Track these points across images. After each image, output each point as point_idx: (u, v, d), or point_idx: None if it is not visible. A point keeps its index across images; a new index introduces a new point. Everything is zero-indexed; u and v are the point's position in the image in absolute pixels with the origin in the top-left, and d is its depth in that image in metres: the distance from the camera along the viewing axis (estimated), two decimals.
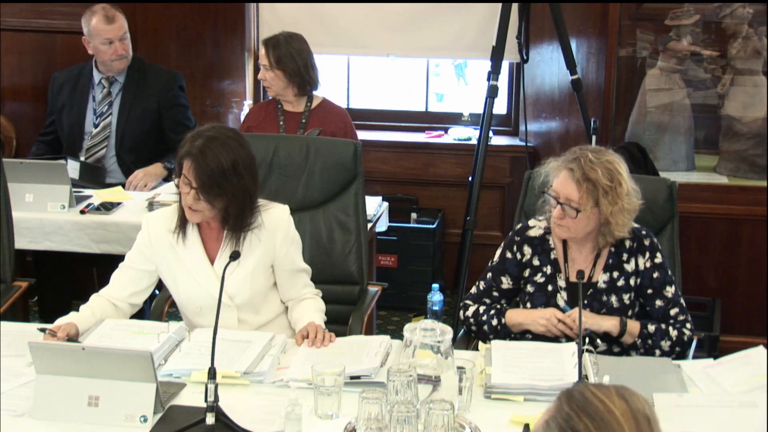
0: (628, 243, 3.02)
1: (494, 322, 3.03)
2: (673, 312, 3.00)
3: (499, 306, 3.08)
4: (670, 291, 3.01)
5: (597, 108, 4.78)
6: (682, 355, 2.97)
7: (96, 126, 4.55)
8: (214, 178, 2.87)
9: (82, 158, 4.53)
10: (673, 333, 2.96)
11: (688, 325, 2.99)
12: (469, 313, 3.09)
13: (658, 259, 3.03)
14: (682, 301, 3.04)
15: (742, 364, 2.77)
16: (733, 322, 4.59)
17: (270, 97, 4.52)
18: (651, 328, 2.96)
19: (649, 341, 2.95)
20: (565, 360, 2.73)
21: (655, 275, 3.01)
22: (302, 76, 4.34)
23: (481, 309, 3.07)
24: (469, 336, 3.15)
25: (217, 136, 2.91)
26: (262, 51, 4.37)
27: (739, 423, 2.45)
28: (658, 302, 3.01)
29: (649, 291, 3.02)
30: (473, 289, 3.15)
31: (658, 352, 2.95)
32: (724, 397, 2.61)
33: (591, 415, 1.55)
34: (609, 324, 2.94)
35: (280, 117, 4.40)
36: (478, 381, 2.67)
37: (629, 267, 3.02)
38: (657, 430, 1.58)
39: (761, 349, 2.80)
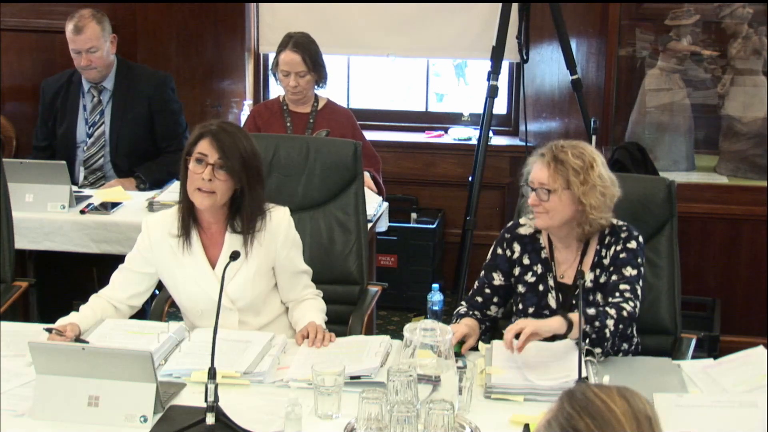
0: (607, 239, 2.97)
1: None
2: (622, 287, 2.90)
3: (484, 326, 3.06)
4: (629, 271, 2.92)
5: (597, 108, 4.78)
6: (626, 335, 2.91)
7: (90, 136, 4.48)
8: (234, 153, 2.86)
9: (81, 168, 4.49)
10: (612, 311, 2.83)
11: (631, 303, 2.86)
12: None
13: (631, 245, 2.94)
14: (637, 286, 2.91)
15: (742, 364, 2.77)
16: (733, 322, 4.59)
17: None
18: (591, 311, 2.84)
19: (596, 323, 2.81)
20: (565, 360, 2.73)
21: (622, 255, 2.94)
22: (326, 76, 4.34)
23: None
24: None
25: (231, 126, 2.96)
26: (292, 57, 4.23)
27: (739, 423, 2.45)
28: (614, 277, 2.92)
29: (611, 268, 2.94)
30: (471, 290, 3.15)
31: (607, 332, 2.81)
32: (724, 397, 2.61)
33: (592, 414, 1.55)
34: (556, 325, 2.79)
35: (287, 117, 4.36)
36: (478, 381, 2.67)
37: (607, 261, 2.98)
38: (658, 431, 1.58)
39: (761, 349, 2.81)
